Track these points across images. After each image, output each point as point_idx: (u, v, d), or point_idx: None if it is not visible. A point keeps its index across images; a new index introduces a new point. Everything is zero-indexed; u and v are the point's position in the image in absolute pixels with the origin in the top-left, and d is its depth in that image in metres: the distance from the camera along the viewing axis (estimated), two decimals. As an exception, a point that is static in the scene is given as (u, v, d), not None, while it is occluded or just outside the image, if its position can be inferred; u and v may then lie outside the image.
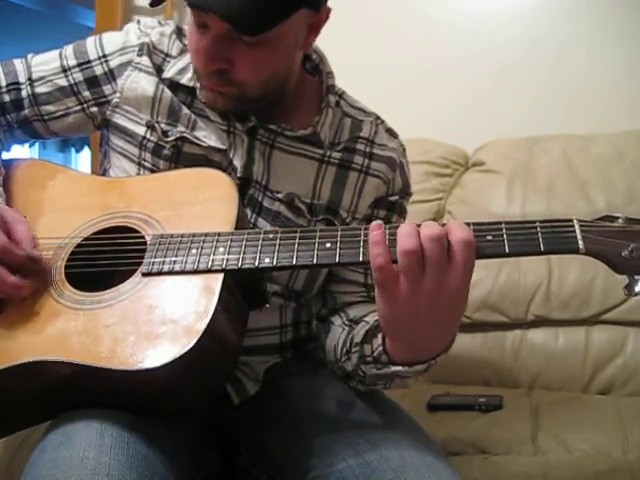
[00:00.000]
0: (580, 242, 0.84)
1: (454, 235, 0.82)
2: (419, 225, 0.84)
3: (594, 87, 2.00)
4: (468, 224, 0.86)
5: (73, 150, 7.93)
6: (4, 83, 1.15)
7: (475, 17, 2.12)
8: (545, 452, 1.31)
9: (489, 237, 0.86)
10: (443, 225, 0.83)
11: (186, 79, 1.12)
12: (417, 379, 1.75)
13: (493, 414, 1.45)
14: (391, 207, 1.17)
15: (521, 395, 1.59)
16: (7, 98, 1.15)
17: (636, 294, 0.84)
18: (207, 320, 0.86)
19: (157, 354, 0.84)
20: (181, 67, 1.13)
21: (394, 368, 0.92)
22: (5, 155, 1.16)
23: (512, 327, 1.73)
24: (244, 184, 1.10)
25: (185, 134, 1.10)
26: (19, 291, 0.93)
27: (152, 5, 1.00)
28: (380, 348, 0.93)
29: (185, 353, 0.83)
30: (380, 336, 0.93)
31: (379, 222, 0.85)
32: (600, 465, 1.24)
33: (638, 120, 1.90)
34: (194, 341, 0.84)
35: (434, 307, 0.83)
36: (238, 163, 1.10)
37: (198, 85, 1.09)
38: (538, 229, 0.85)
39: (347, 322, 1.09)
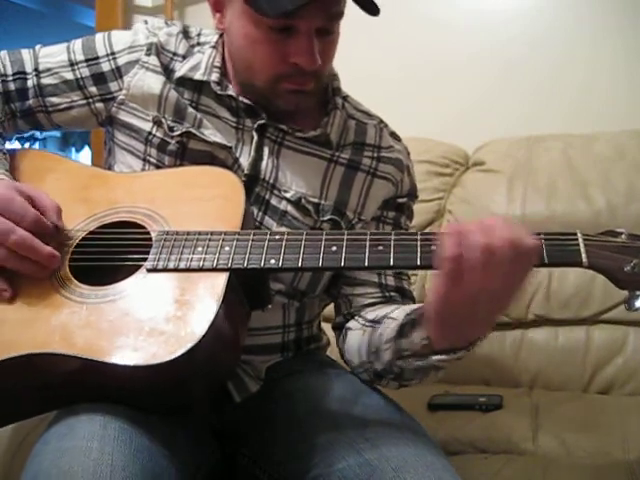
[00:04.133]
0: (583, 255, 0.86)
1: (522, 241, 0.83)
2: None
3: (594, 87, 2.00)
4: None
5: (73, 149, 7.93)
6: (10, 72, 1.15)
7: (476, 16, 2.12)
8: (545, 452, 1.31)
9: None
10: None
11: (199, 75, 1.13)
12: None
13: (493, 414, 1.45)
14: (400, 208, 1.18)
15: (521, 395, 1.59)
16: (12, 87, 1.15)
17: (636, 309, 0.85)
18: (211, 318, 0.86)
19: (159, 351, 0.84)
20: (192, 65, 1.14)
21: (436, 357, 0.92)
22: (9, 145, 1.15)
23: (512, 327, 1.72)
24: (251, 181, 1.10)
25: (191, 129, 1.11)
26: (53, 261, 0.94)
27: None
28: (424, 341, 0.93)
29: (187, 351, 0.83)
30: (422, 329, 0.93)
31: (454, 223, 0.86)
32: (600, 465, 1.24)
33: (638, 120, 1.90)
34: (197, 339, 0.84)
35: (492, 302, 0.85)
36: (245, 160, 1.11)
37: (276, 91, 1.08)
38: (542, 241, 0.86)
39: (368, 324, 1.09)
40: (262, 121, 1.11)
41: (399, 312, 1.03)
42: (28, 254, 0.92)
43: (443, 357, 0.92)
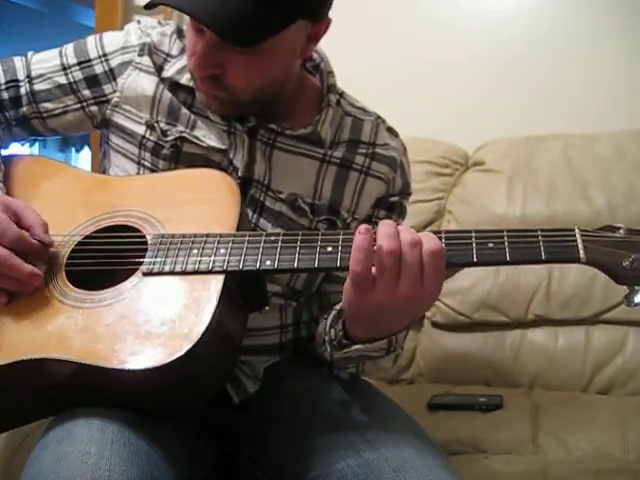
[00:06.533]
0: (581, 251, 0.86)
1: (425, 245, 0.85)
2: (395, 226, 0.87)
3: (594, 87, 2.00)
4: (469, 231, 0.89)
5: (73, 150, 7.92)
6: (3, 80, 1.15)
7: (475, 16, 2.12)
8: (545, 452, 1.31)
9: (490, 244, 0.87)
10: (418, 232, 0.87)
11: (185, 79, 1.12)
12: (417, 380, 1.76)
13: (493, 414, 1.45)
14: (391, 207, 1.18)
15: (521, 395, 1.59)
16: (5, 95, 1.15)
17: (635, 305, 0.85)
18: (207, 321, 0.86)
19: (156, 354, 0.84)
20: (180, 67, 1.13)
21: (355, 347, 0.96)
22: (5, 152, 1.15)
23: (512, 327, 1.72)
24: (245, 184, 1.10)
25: (184, 134, 1.10)
26: (35, 280, 0.93)
27: (147, 8, 1.00)
28: (341, 333, 0.97)
29: (184, 354, 0.83)
30: (341, 321, 0.97)
31: (367, 226, 0.87)
32: (600, 465, 1.24)
33: (638, 120, 1.90)
34: (194, 342, 0.84)
35: (404, 310, 0.88)
36: (239, 163, 1.10)
37: (195, 86, 1.09)
38: (539, 237, 0.87)
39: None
40: (251, 124, 1.10)
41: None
42: (7, 272, 0.91)
43: (361, 346, 0.95)
